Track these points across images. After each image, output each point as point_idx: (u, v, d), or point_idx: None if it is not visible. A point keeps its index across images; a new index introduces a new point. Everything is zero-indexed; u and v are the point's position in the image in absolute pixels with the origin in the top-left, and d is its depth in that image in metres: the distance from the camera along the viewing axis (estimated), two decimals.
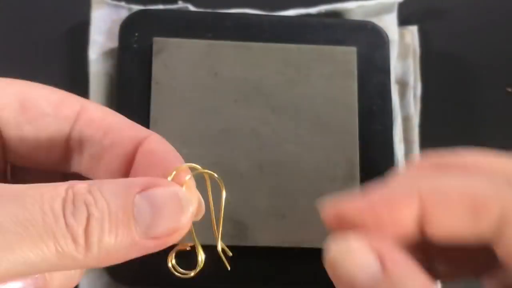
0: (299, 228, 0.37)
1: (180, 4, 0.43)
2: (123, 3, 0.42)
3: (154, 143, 0.23)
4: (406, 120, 0.42)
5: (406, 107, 0.42)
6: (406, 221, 0.21)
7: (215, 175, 0.23)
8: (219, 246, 0.23)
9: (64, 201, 0.19)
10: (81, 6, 0.42)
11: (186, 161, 0.23)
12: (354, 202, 0.22)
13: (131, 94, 0.38)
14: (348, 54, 0.39)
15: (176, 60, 0.38)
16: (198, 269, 0.22)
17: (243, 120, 0.38)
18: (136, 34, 0.39)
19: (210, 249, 0.36)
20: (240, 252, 0.37)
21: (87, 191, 0.19)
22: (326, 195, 0.37)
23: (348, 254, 0.21)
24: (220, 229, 0.23)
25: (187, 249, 0.22)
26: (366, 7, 0.42)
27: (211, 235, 0.23)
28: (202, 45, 0.39)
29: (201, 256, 0.22)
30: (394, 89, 0.42)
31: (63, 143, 0.23)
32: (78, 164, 0.24)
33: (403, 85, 0.43)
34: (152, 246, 0.20)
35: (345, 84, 0.39)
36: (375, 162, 0.38)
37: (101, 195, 0.19)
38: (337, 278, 0.21)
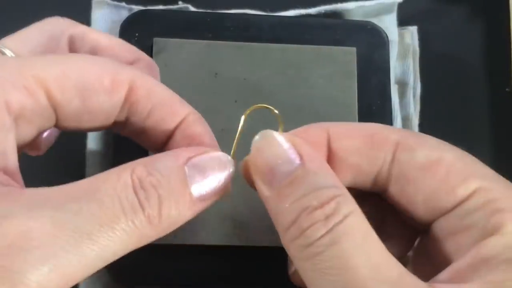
0: None
1: (181, 5, 0.43)
2: (123, 4, 0.43)
3: (192, 124, 0.26)
4: (405, 120, 0.42)
5: (406, 107, 0.42)
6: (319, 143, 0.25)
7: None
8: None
9: (135, 189, 0.21)
10: (81, 6, 0.42)
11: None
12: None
13: None
14: (348, 55, 0.39)
15: (176, 61, 0.38)
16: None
17: None
18: (137, 35, 0.39)
19: (213, 250, 0.36)
20: (240, 252, 0.37)
21: (148, 174, 0.21)
22: None
23: (272, 145, 0.23)
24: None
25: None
26: (366, 7, 0.42)
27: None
28: (202, 45, 0.39)
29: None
30: (394, 89, 0.42)
31: (112, 119, 0.26)
32: (124, 132, 0.27)
33: (402, 85, 0.43)
34: (203, 207, 0.23)
35: (345, 84, 0.39)
36: None
37: (160, 175, 0.22)
38: (259, 166, 0.24)
